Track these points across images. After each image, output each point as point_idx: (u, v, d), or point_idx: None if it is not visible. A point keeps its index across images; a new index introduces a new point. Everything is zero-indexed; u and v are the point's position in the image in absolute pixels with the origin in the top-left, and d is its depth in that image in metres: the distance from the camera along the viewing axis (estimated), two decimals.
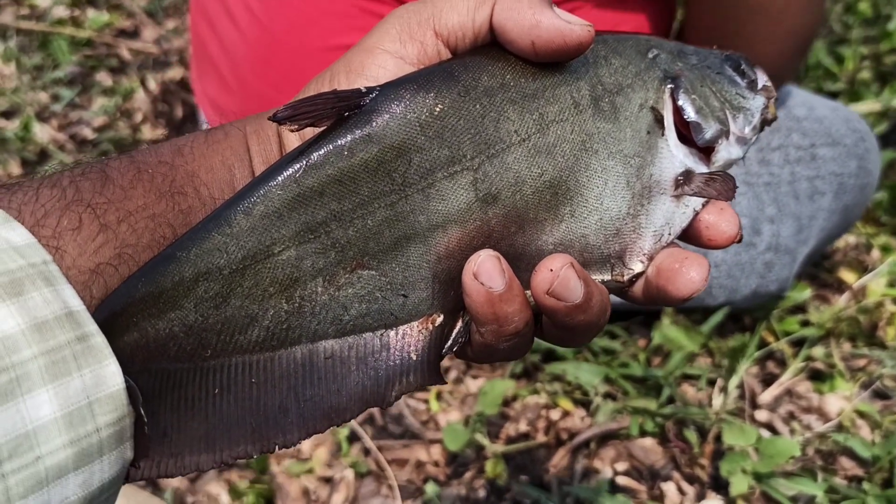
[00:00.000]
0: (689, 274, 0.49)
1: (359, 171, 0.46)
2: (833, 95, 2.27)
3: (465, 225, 0.47)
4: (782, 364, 1.33)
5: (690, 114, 0.52)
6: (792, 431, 1.22)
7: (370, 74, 0.49)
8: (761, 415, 1.24)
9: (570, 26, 0.47)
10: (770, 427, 1.23)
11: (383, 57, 0.49)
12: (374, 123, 0.46)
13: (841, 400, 1.24)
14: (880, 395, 1.27)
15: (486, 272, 0.46)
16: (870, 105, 2.20)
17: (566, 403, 1.26)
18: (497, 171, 0.47)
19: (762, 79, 0.57)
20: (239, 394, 0.45)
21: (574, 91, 0.49)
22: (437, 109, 0.46)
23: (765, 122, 0.57)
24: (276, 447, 0.46)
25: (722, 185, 0.51)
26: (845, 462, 1.18)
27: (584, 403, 1.28)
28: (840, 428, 1.21)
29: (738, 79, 0.56)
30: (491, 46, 0.49)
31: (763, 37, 1.07)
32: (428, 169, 0.47)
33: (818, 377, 1.31)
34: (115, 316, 0.43)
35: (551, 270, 0.46)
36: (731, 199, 0.51)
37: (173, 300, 0.44)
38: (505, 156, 0.47)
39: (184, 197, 0.47)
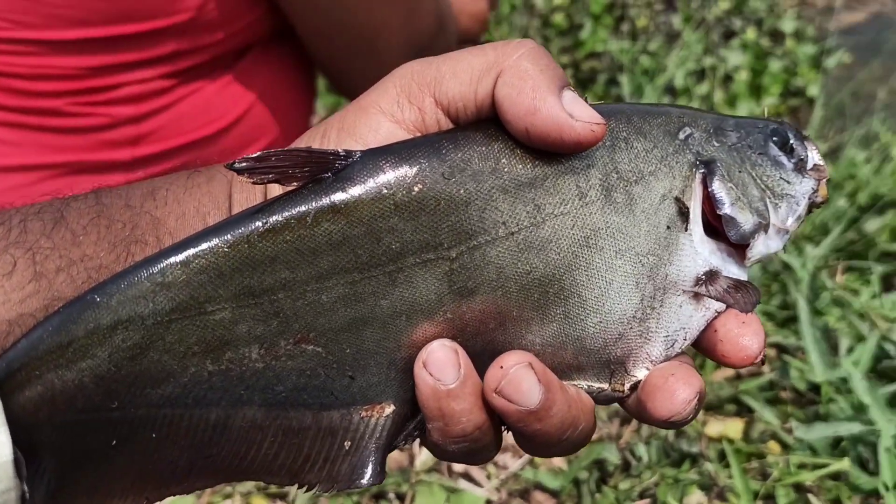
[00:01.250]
0: (675, 392, 0.43)
1: (321, 242, 0.42)
2: None
3: (433, 316, 0.43)
4: None
5: (725, 206, 0.46)
6: (488, 476, 1.20)
7: (361, 135, 0.45)
8: (458, 466, 1.22)
9: (570, 121, 0.42)
10: (467, 476, 1.20)
11: (378, 118, 0.45)
12: (346, 193, 0.42)
13: None
14: None
15: (435, 363, 0.42)
16: None
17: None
18: (477, 265, 0.43)
19: (813, 156, 0.50)
20: (134, 447, 0.43)
21: (581, 180, 0.44)
22: (416, 189, 0.42)
23: (812, 207, 0.50)
24: (150, 501, 0.44)
25: (744, 296, 0.45)
26: (539, 496, 1.17)
27: None
28: (531, 463, 1.20)
29: (783, 159, 0.49)
30: (490, 123, 0.45)
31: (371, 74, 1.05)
32: (397, 252, 0.43)
33: None
34: (17, 370, 0.40)
35: (501, 367, 0.42)
36: (748, 312, 0.45)
37: (85, 349, 0.41)
38: (488, 249, 0.43)
39: (142, 246, 0.44)
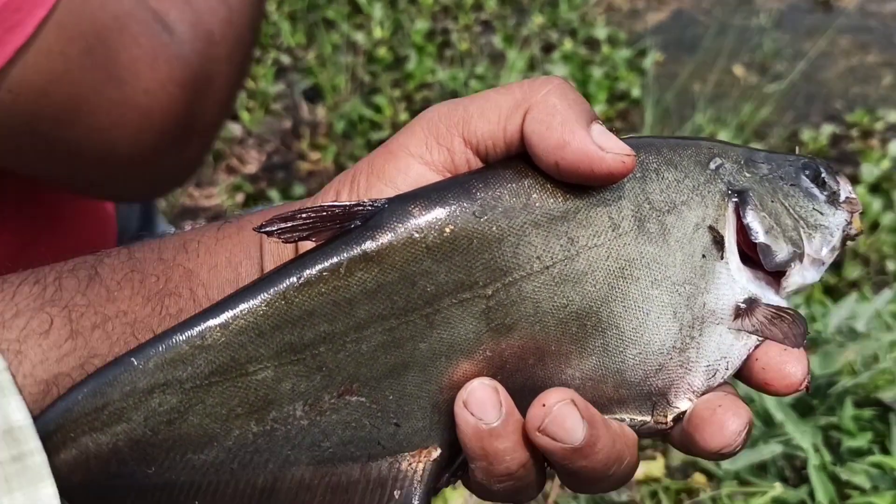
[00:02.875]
0: (724, 423, 0.43)
1: (356, 292, 0.42)
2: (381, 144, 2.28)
3: (472, 355, 0.43)
4: None
5: (759, 234, 0.47)
6: None
7: (391, 178, 0.45)
8: None
9: (601, 154, 0.42)
10: None
11: (407, 161, 0.45)
12: (377, 241, 0.42)
13: None
14: None
15: (476, 402, 0.42)
16: None
17: None
18: (513, 301, 0.43)
19: (845, 189, 0.50)
20: None
21: (614, 212, 0.44)
22: (448, 231, 0.42)
23: (847, 239, 0.50)
24: None
25: (791, 328, 0.44)
26: None
27: None
28: None
29: (816, 191, 0.49)
30: (519, 159, 0.44)
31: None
32: (434, 294, 0.42)
33: None
34: (52, 432, 0.40)
35: (544, 406, 0.41)
36: (799, 346, 0.44)
37: (120, 412, 0.41)
38: (523, 284, 0.43)
39: (176, 299, 0.44)
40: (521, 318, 0.43)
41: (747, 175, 0.48)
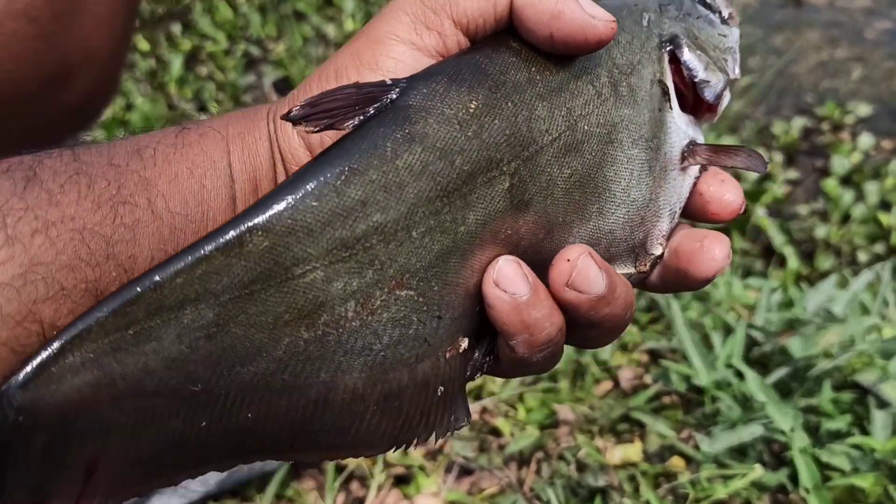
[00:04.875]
0: (713, 252, 0.47)
1: (404, 175, 0.40)
2: None
3: (497, 235, 0.43)
4: (364, 482, 1.20)
5: (699, 72, 0.50)
6: None
7: (386, 67, 0.44)
8: None
9: (593, 21, 0.43)
10: None
11: (399, 48, 0.44)
12: (413, 121, 0.41)
13: (431, 497, 1.14)
14: (466, 471, 1.19)
15: (506, 278, 0.42)
16: None
17: None
18: (531, 175, 0.43)
19: (724, 5, 0.54)
20: (229, 426, 0.40)
21: (595, 79, 0.46)
22: (472, 106, 0.42)
23: None
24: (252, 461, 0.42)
25: (751, 157, 0.48)
26: None
27: None
28: None
29: (713, 16, 0.53)
30: (507, 35, 0.45)
31: None
32: (469, 173, 0.41)
33: (404, 481, 1.19)
34: (66, 352, 0.37)
35: (568, 261, 0.43)
36: (764, 170, 0.48)
37: (148, 332, 0.38)
38: (539, 158, 0.43)
39: (132, 208, 0.40)
40: (537, 192, 0.44)
41: (667, 21, 0.50)
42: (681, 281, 0.48)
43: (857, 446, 1.03)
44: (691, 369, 1.18)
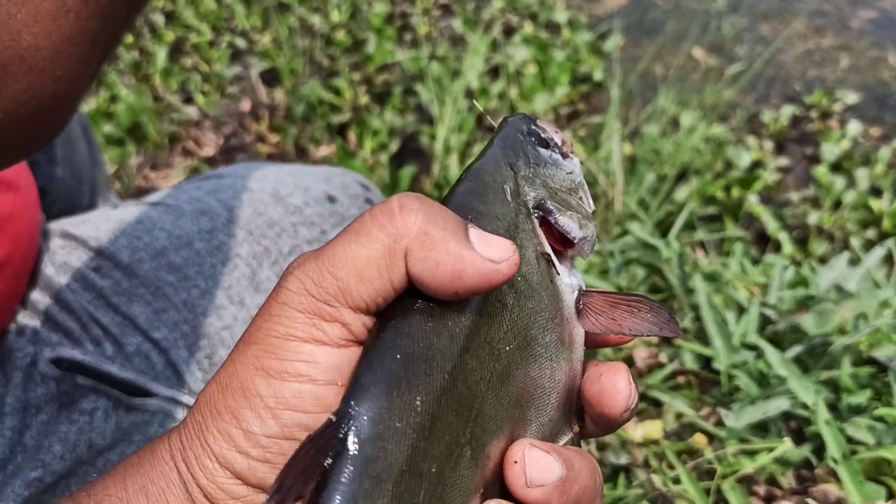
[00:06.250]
0: (615, 385, 0.46)
1: None
2: (342, 128, 2.22)
3: (469, 496, 0.41)
4: None
5: (575, 231, 0.48)
6: None
7: (298, 372, 0.40)
8: None
9: (496, 267, 0.40)
10: None
11: (304, 348, 0.40)
12: (373, 458, 0.38)
13: None
14: None
15: None
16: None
17: None
18: (483, 430, 0.42)
19: (552, 132, 0.52)
20: None
21: (498, 294, 0.44)
22: (418, 403, 0.40)
23: None
24: None
25: (657, 314, 0.46)
26: None
27: None
28: None
29: (553, 155, 0.51)
30: (412, 297, 0.42)
31: None
32: (438, 472, 0.40)
33: None
34: None
35: (516, 462, 0.42)
36: (678, 333, 0.46)
37: None
38: (483, 408, 0.42)
39: None
40: (489, 437, 0.43)
41: (524, 184, 0.48)
42: (608, 423, 0.47)
43: (880, 419, 1.02)
44: (708, 349, 1.17)
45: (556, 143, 0.52)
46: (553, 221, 0.48)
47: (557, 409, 0.46)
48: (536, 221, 0.48)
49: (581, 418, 0.48)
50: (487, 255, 0.40)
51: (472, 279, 0.40)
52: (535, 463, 0.41)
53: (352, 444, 0.38)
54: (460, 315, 0.43)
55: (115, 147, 2.17)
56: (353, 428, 0.38)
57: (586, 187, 0.52)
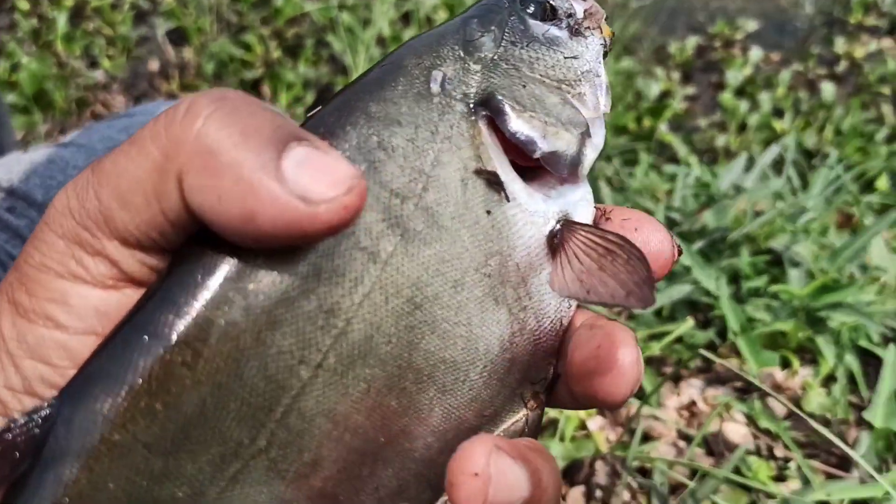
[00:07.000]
0: (619, 361, 0.33)
1: None
2: (255, 83, 2.20)
3: None
4: None
5: (538, 143, 0.35)
6: None
7: (57, 319, 0.30)
8: None
9: (308, 210, 0.28)
10: None
11: (60, 286, 0.30)
12: (68, 477, 0.29)
13: None
14: None
15: None
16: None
17: None
18: (296, 430, 0.31)
19: (579, 2, 0.39)
20: None
21: (363, 238, 0.32)
22: (160, 406, 0.30)
23: (605, 55, 0.40)
24: None
25: (628, 268, 0.33)
26: None
27: None
28: None
29: (554, 31, 0.38)
30: (209, 236, 0.30)
31: None
32: (193, 494, 0.31)
33: None
34: None
35: (476, 474, 0.31)
36: (651, 302, 0.33)
37: None
38: (300, 404, 0.31)
39: None
40: (316, 442, 0.32)
41: (476, 68, 0.36)
42: (598, 404, 0.36)
43: (775, 296, 1.08)
44: None
45: (568, 14, 0.39)
46: (500, 125, 0.36)
47: (489, 384, 0.35)
48: (483, 125, 0.35)
49: (550, 386, 0.37)
50: (299, 190, 0.28)
51: (271, 224, 0.28)
52: (502, 479, 0.31)
53: (45, 461, 0.29)
54: (275, 271, 0.31)
55: (22, 115, 2.12)
56: (53, 435, 0.29)
57: (601, 80, 0.39)
